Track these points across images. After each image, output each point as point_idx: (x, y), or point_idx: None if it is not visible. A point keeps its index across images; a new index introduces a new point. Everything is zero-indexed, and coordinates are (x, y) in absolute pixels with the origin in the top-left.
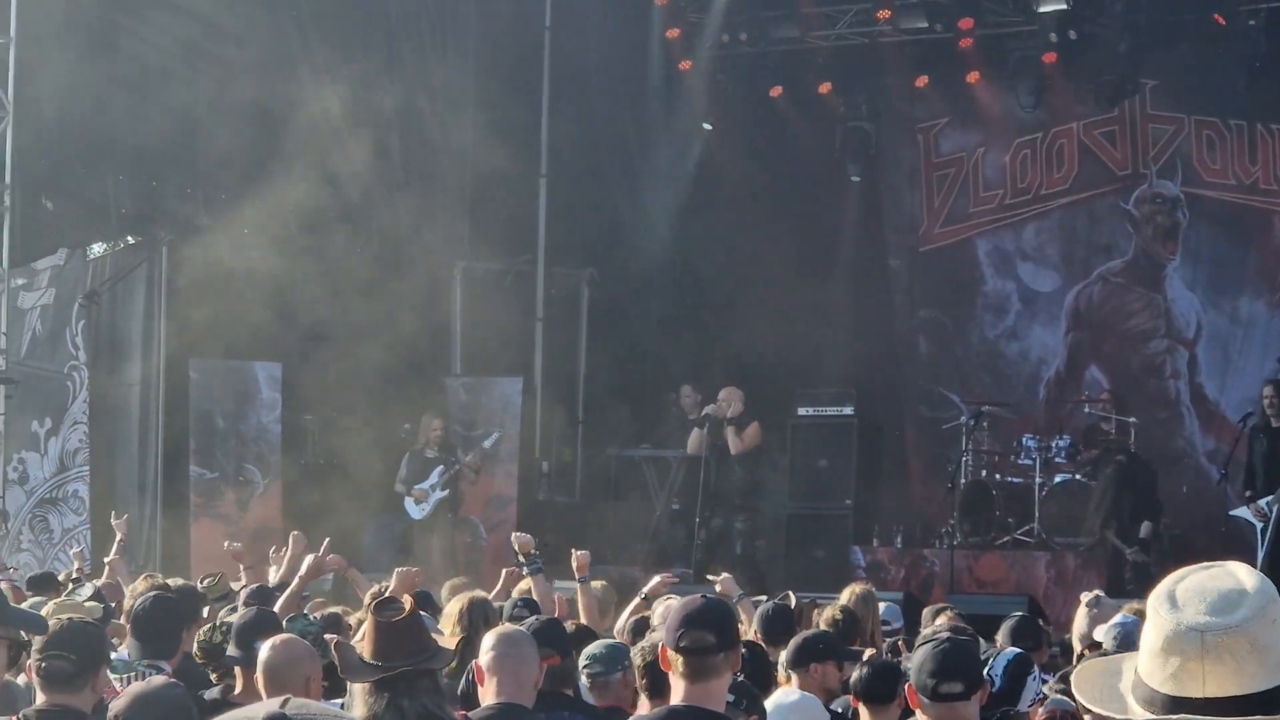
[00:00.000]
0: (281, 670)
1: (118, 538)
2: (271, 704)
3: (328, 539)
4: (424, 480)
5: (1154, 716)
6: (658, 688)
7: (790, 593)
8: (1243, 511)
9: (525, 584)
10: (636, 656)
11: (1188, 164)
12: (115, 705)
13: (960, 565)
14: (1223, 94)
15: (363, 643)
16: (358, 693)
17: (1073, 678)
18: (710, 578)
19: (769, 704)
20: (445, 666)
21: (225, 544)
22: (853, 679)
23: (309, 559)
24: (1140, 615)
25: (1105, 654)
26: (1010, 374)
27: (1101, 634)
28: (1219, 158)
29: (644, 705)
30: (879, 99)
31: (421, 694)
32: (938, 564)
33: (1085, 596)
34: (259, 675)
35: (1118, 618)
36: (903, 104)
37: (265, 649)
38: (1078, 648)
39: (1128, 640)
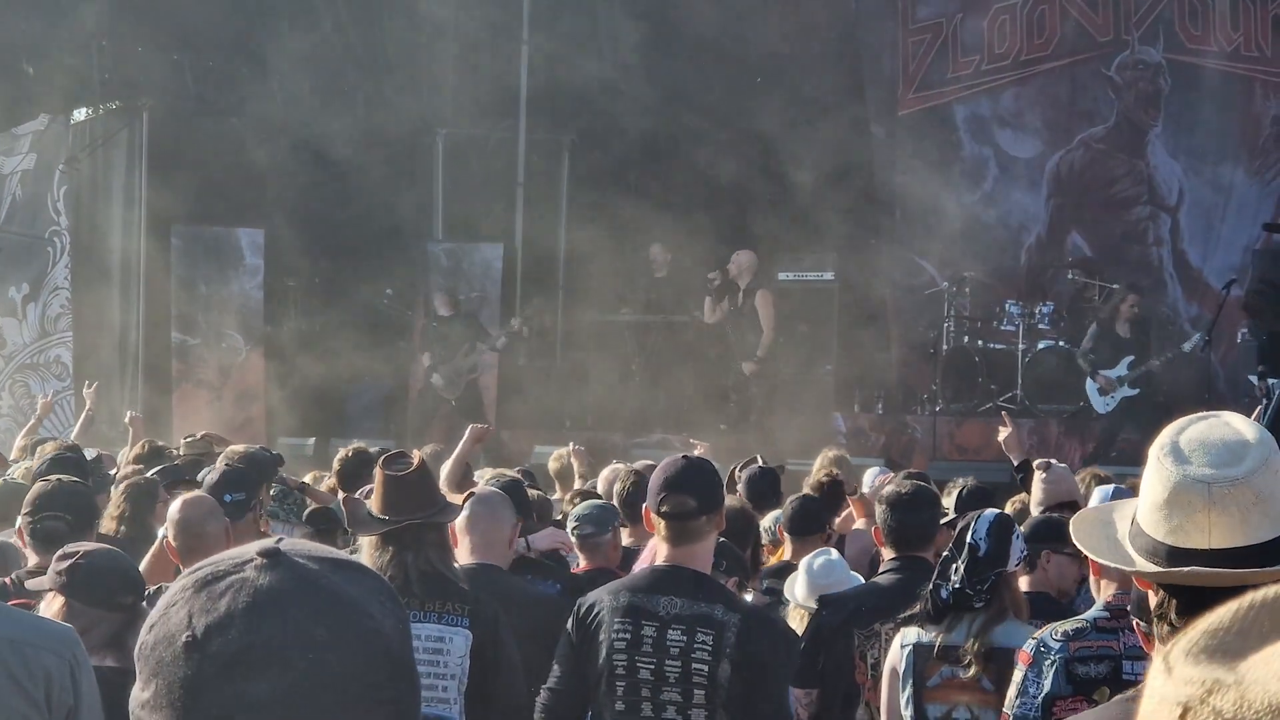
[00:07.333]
0: (194, 525)
1: (86, 407)
2: (266, 541)
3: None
4: (1112, 369)
5: (1159, 569)
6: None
7: (759, 456)
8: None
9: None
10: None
11: (1170, 30)
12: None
13: (942, 432)
14: None
15: (371, 498)
16: (365, 547)
17: (1071, 526)
18: (692, 441)
19: (803, 566)
20: (453, 520)
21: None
22: (781, 513)
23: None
24: (1097, 480)
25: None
26: (989, 240)
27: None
28: (1201, 24)
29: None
30: None
31: (428, 548)
32: (919, 430)
33: (1037, 463)
34: (170, 531)
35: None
36: None
37: (176, 507)
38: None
39: None
